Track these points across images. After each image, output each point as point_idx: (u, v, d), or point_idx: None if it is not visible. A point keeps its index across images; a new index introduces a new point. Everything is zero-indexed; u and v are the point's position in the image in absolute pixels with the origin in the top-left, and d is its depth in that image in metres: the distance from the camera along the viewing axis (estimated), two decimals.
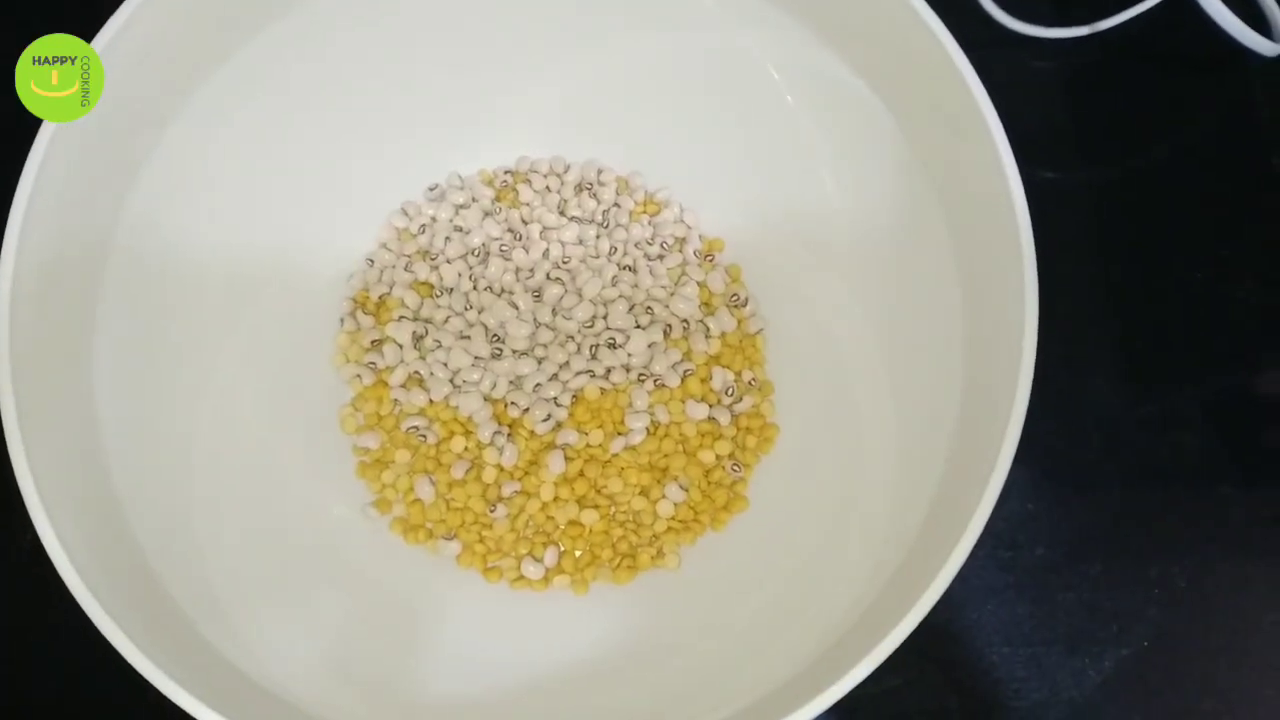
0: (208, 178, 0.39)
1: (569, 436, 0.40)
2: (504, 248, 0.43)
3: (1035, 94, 0.48)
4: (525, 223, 0.43)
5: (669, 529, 0.40)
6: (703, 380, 0.41)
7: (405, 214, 0.43)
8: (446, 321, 0.42)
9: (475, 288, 0.42)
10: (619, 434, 0.41)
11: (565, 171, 0.44)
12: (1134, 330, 0.45)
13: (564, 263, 0.43)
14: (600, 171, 0.44)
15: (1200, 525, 0.42)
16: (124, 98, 0.33)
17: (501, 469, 0.40)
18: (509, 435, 0.41)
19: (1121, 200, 0.46)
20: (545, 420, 0.40)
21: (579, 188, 0.44)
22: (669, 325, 0.42)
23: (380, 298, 0.42)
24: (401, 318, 0.42)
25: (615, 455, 0.40)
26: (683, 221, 0.44)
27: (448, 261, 0.43)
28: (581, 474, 0.40)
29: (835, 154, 0.41)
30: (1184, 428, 0.43)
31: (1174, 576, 0.42)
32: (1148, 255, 0.46)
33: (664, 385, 0.41)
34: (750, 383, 0.42)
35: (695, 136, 0.43)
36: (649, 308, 0.42)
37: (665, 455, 0.41)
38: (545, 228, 0.43)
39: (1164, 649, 0.41)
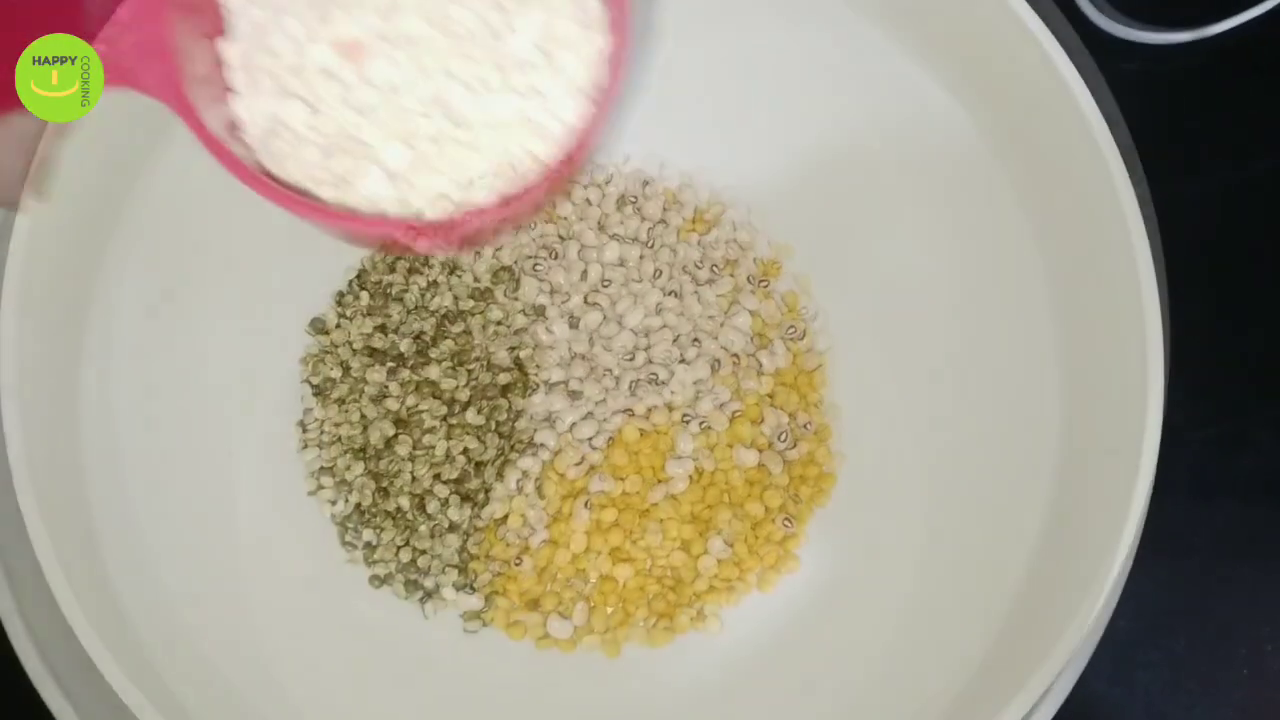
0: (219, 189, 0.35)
1: (604, 483, 0.37)
2: (537, 266, 0.39)
3: (1133, 101, 0.43)
4: (562, 239, 0.39)
5: (711, 588, 0.37)
6: (753, 422, 0.37)
7: None
8: None
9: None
10: (659, 481, 0.37)
11: (607, 182, 0.40)
12: (1234, 366, 0.40)
13: (603, 286, 0.39)
14: (646, 184, 0.40)
15: None
16: None
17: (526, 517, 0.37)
18: (537, 480, 0.37)
19: (1219, 215, 0.42)
20: (578, 464, 0.37)
21: (622, 201, 0.40)
22: (717, 360, 0.38)
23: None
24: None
25: (654, 505, 0.37)
26: (736, 242, 0.40)
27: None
28: (616, 524, 0.37)
29: (908, 170, 0.38)
30: None
31: (1266, 657, 0.38)
32: (1245, 276, 0.42)
33: (710, 428, 0.37)
34: (805, 426, 0.38)
35: (752, 148, 0.39)
36: (696, 339, 0.38)
37: (709, 506, 0.37)
38: (584, 246, 0.39)
39: None
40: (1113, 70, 0.43)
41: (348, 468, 0.36)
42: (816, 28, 0.37)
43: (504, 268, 0.39)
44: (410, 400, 0.36)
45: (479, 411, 0.37)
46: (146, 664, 0.31)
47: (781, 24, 0.38)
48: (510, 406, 0.37)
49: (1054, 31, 0.32)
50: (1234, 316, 0.41)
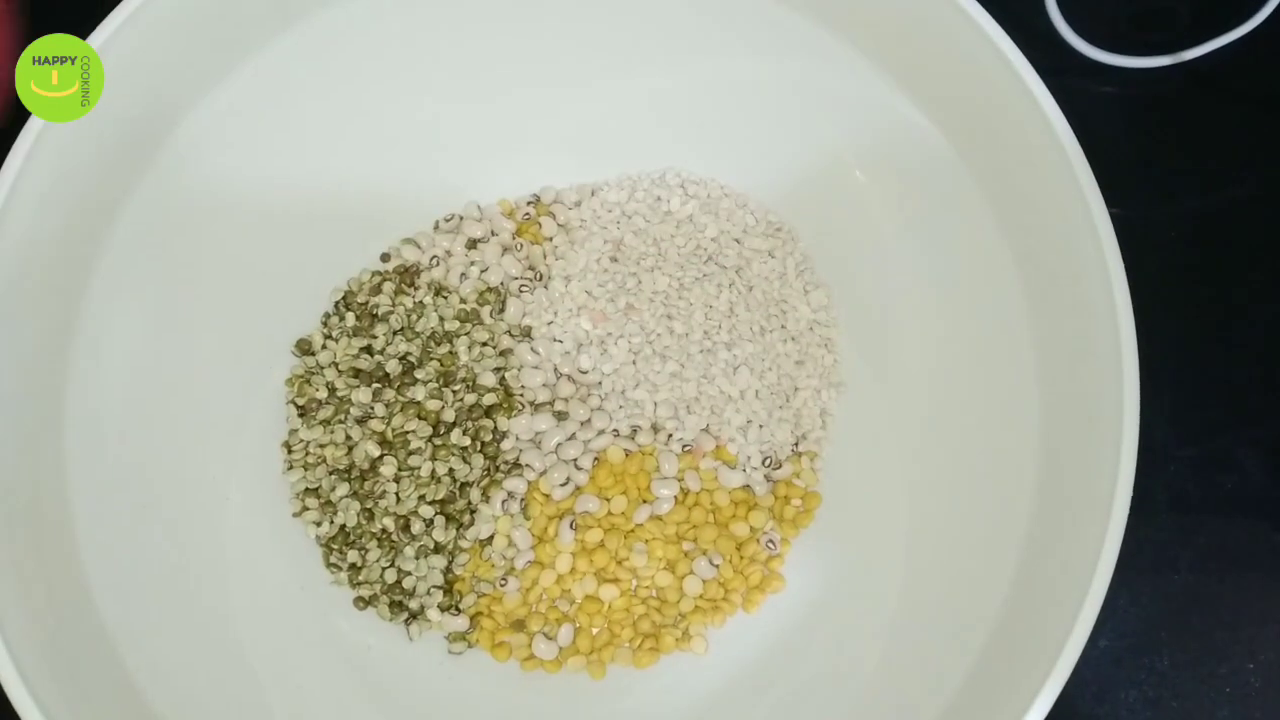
0: (207, 208, 0.36)
1: (589, 503, 0.37)
2: (523, 287, 0.39)
3: (1110, 125, 0.44)
4: (547, 260, 0.39)
5: (696, 608, 0.37)
6: None
7: (417, 246, 0.39)
8: None
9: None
10: (644, 501, 0.37)
11: (580, 205, 0.40)
12: (1211, 385, 0.41)
13: None
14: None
15: None
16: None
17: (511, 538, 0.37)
18: (523, 500, 0.37)
19: (1196, 238, 0.42)
20: (563, 485, 0.37)
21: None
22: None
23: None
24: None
25: (639, 525, 0.37)
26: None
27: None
28: (601, 545, 0.37)
29: (888, 196, 0.38)
30: (1268, 507, 0.39)
31: (1248, 674, 0.38)
32: (1222, 299, 0.42)
33: (695, 448, 0.37)
34: (793, 446, 0.38)
35: (738, 170, 0.40)
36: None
37: (694, 526, 0.37)
38: (568, 268, 0.39)
39: None
40: (1089, 94, 0.43)
41: (333, 489, 0.36)
42: (799, 56, 0.37)
43: (490, 289, 0.39)
44: (396, 421, 0.37)
45: (464, 432, 0.37)
46: (128, 684, 0.31)
47: (764, 53, 0.38)
48: (495, 427, 0.37)
49: (1031, 56, 0.32)
50: (1214, 339, 0.42)
